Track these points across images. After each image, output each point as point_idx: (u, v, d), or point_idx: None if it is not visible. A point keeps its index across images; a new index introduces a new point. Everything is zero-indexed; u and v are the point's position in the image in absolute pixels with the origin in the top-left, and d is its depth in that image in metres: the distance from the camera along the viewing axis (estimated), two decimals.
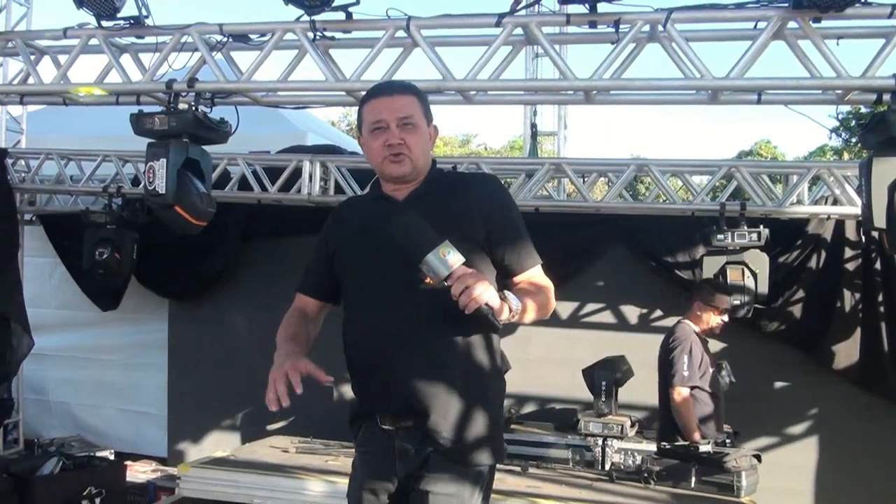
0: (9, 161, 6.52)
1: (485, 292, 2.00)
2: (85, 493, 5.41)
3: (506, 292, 2.13)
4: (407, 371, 2.24)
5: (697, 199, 5.71)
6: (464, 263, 2.03)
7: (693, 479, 4.84)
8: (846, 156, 17.77)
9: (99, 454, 6.40)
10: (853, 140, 17.39)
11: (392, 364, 2.24)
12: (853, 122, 16.57)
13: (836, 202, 5.69)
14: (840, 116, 16.42)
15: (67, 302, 7.44)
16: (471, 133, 29.44)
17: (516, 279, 2.32)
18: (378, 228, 2.25)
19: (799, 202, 5.73)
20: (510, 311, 2.11)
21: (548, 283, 2.37)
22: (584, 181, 5.87)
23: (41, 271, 7.44)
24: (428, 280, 2.08)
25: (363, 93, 4.45)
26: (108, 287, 6.81)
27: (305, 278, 2.53)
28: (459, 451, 2.26)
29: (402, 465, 2.28)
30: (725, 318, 5.26)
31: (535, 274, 2.36)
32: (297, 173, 6.07)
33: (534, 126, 7.05)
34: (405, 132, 2.28)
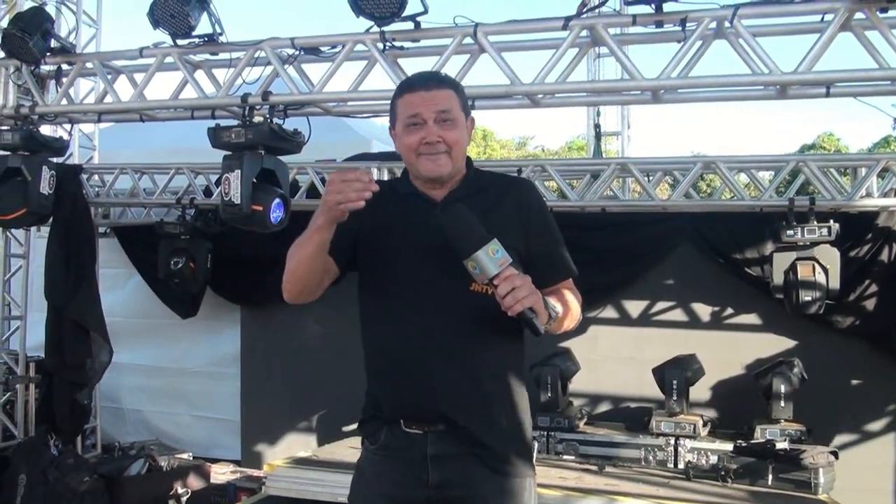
0: (83, 177, 6.74)
1: (531, 295, 1.95)
2: (171, 493, 5.61)
3: (546, 298, 2.06)
4: (446, 376, 2.12)
5: (765, 195, 5.67)
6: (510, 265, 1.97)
7: (770, 477, 4.82)
8: None
9: (179, 456, 6.58)
10: None
11: (430, 369, 2.12)
12: None
13: None
14: None
15: (140, 311, 7.62)
16: (527, 135, 29.24)
17: (550, 289, 2.20)
18: (416, 227, 2.16)
19: (868, 195, 5.64)
20: (549, 317, 2.05)
21: (578, 295, 2.29)
22: (648, 180, 5.86)
23: (114, 282, 7.63)
24: (475, 287, 2.04)
25: None
26: (184, 296, 6.99)
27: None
28: (506, 461, 2.17)
29: (437, 473, 2.14)
30: None
31: (569, 284, 2.28)
32: None
33: (598, 126, 7.05)
34: (444, 128, 2.14)
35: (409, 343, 2.14)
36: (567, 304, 2.18)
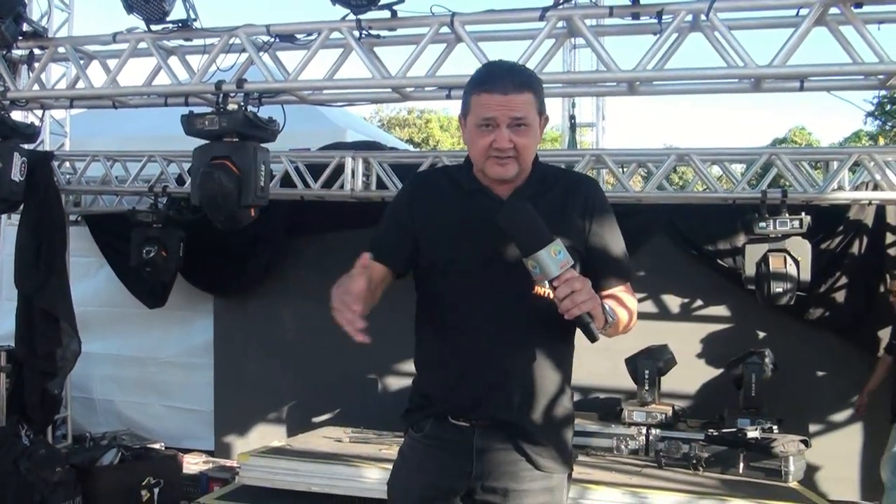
0: (54, 163, 6.65)
1: (590, 299, 1.93)
2: (144, 483, 5.58)
3: (603, 303, 2.04)
4: (498, 380, 2.14)
5: (738, 188, 5.72)
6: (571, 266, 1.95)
7: (741, 465, 4.89)
8: (881, 140, 17.58)
9: (151, 446, 6.54)
10: (889, 125, 17.21)
11: (482, 371, 2.14)
12: (889, 106, 16.40)
13: (876, 187, 5.68)
14: (875, 100, 16.23)
15: (112, 300, 7.54)
16: None
17: (605, 292, 2.18)
18: (482, 226, 2.10)
19: (840, 188, 5.70)
20: (606, 322, 2.03)
21: (635, 300, 2.27)
22: (623, 171, 5.89)
23: (85, 271, 7.55)
24: (537, 290, 2.02)
25: (409, 89, 4.63)
26: (155, 285, 6.93)
27: (375, 243, 2.26)
28: (548, 458, 2.18)
29: (481, 465, 2.16)
30: None
31: (624, 289, 2.25)
32: (339, 169, 6.13)
33: (572, 118, 7.05)
34: (516, 134, 2.08)
35: (463, 344, 2.14)
36: (619, 310, 2.16)
